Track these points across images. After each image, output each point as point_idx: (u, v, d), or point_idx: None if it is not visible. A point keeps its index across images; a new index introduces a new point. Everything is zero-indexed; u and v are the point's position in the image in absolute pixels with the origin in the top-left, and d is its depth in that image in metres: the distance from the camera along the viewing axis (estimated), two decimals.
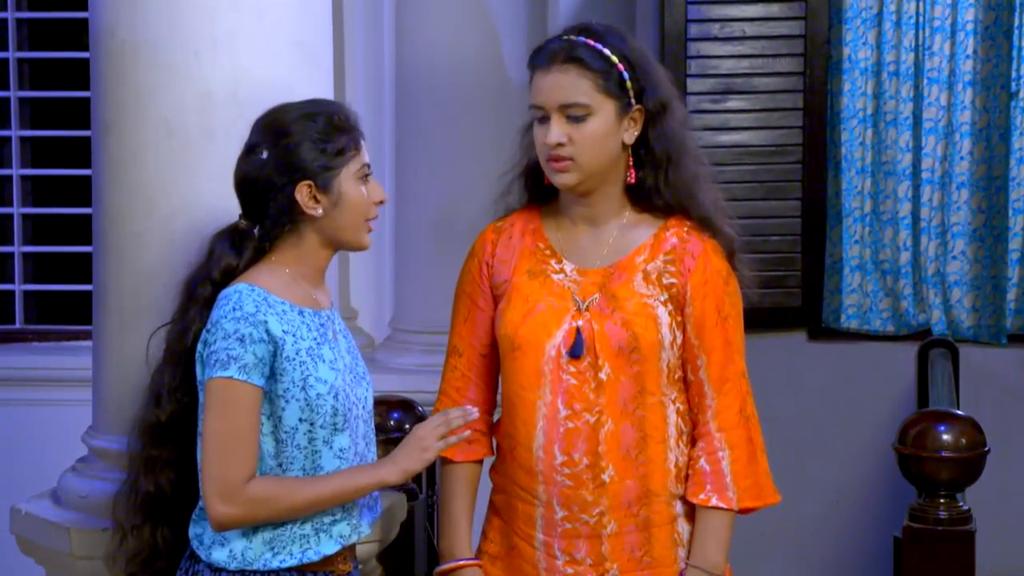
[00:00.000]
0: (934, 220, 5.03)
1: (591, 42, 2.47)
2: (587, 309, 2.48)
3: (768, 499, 2.55)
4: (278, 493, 2.28)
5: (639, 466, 2.49)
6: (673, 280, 2.50)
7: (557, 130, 2.45)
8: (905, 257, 5.03)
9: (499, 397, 2.62)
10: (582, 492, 2.47)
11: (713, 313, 2.51)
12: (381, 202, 2.40)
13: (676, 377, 2.52)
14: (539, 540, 2.51)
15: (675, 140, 2.52)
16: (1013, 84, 4.89)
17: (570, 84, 2.45)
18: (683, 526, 2.54)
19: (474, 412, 2.40)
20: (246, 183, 2.35)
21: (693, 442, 2.54)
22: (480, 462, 2.63)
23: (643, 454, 2.49)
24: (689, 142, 2.56)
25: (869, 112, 5.01)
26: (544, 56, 2.48)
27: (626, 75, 2.47)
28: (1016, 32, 4.87)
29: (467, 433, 2.41)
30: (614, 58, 2.46)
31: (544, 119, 2.47)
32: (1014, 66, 4.89)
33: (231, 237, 2.38)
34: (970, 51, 4.93)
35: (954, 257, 5.01)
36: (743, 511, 2.54)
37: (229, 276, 2.35)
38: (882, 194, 5.02)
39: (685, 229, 2.53)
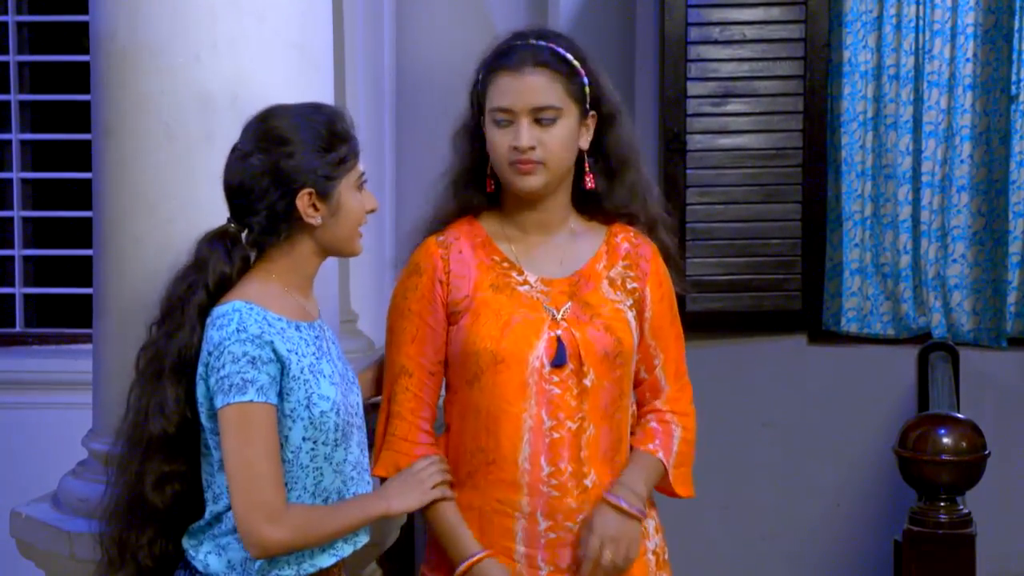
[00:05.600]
0: (934, 223, 5.03)
1: (555, 47, 2.47)
2: (563, 318, 2.48)
3: (688, 493, 2.61)
4: (312, 521, 2.25)
5: (615, 467, 2.52)
6: (635, 285, 2.55)
7: (528, 133, 2.43)
8: (905, 260, 5.02)
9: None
10: (567, 500, 2.47)
11: (668, 314, 2.60)
12: (372, 210, 2.37)
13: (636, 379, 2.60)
14: (520, 553, 2.48)
15: (627, 146, 2.55)
16: (1013, 87, 4.89)
17: (543, 87, 2.44)
18: (646, 522, 2.57)
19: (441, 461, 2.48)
20: (241, 189, 2.29)
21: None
22: None
23: (618, 456, 2.53)
24: (637, 148, 2.59)
25: (869, 115, 5.00)
26: (513, 59, 2.45)
27: (586, 80, 2.49)
28: (1016, 35, 4.87)
29: (450, 478, 2.48)
30: (576, 63, 2.48)
31: (508, 123, 2.44)
32: (1014, 69, 4.88)
33: (222, 242, 2.31)
34: (970, 54, 4.93)
35: (954, 260, 5.01)
36: (669, 493, 2.61)
37: (222, 284, 2.29)
38: (882, 197, 5.02)
39: (632, 234, 2.59)
